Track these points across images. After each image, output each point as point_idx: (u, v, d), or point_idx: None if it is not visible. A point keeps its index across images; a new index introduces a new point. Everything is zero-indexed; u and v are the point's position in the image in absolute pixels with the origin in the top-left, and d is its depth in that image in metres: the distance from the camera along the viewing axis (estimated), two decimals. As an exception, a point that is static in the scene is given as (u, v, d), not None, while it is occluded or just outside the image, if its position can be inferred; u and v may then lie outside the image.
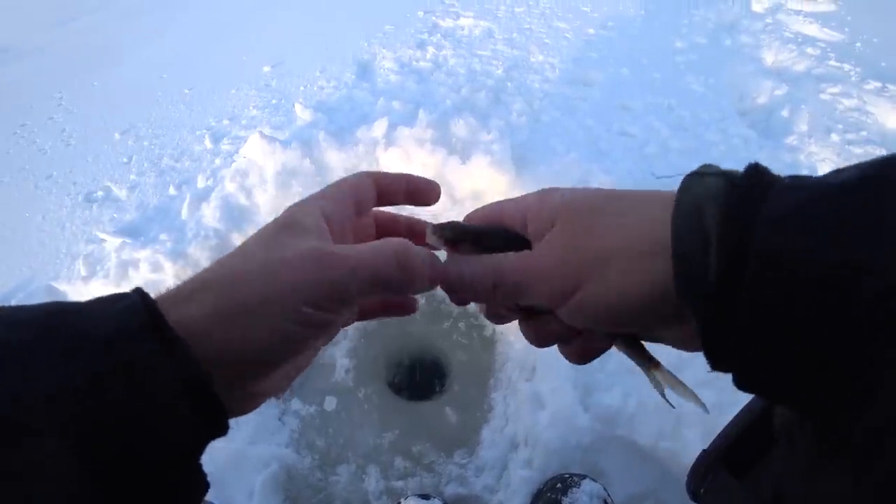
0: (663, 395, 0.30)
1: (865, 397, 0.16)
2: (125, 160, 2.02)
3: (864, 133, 1.76)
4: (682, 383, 0.29)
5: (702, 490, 0.42)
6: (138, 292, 0.23)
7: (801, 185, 0.19)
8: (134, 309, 0.22)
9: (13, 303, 1.45)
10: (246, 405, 0.27)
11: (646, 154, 1.60)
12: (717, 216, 0.20)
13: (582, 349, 0.28)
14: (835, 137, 1.76)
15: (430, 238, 0.29)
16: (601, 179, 1.29)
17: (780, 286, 0.18)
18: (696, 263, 0.20)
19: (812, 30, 2.50)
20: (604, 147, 1.60)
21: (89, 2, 3.23)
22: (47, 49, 3.01)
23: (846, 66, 2.14)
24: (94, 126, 2.34)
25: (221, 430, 0.24)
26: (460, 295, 0.28)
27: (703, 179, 0.21)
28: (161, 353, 0.21)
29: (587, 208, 0.25)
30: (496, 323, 0.31)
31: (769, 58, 2.34)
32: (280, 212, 0.27)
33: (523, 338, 0.30)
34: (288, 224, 0.26)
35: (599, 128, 1.70)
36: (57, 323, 0.21)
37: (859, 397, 0.16)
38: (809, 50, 2.28)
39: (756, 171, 0.21)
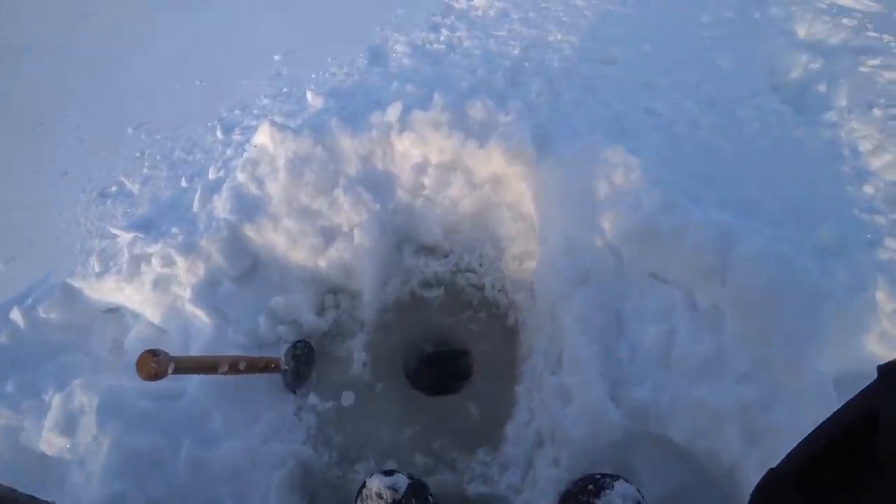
0: None
1: None
2: (138, 154, 2.00)
3: (909, 106, 1.64)
4: None
5: None
6: None
7: None
8: None
9: (30, 300, 1.46)
10: None
11: (675, 132, 1.51)
12: None
13: None
14: (877, 112, 1.65)
15: None
16: (627, 160, 1.21)
17: None
18: None
19: (847, 0, 2.35)
20: (629, 126, 1.52)
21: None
22: (66, 47, 3.04)
23: (885, 37, 2.00)
24: (108, 122, 2.33)
25: None
26: None
27: None
28: None
29: None
30: None
31: (802, 30, 2.20)
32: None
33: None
34: None
35: (623, 106, 1.61)
36: None
37: None
38: (845, 21, 2.13)
39: None
